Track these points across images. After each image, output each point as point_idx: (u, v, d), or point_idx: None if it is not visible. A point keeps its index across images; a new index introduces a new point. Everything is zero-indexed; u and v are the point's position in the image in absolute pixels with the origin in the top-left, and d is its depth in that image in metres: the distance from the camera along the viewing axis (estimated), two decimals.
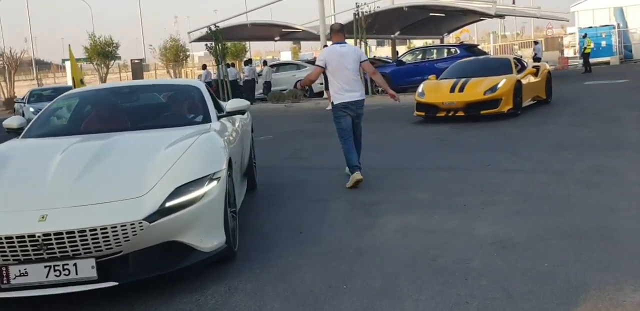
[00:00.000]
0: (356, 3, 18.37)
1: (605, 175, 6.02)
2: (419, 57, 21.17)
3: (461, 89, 11.47)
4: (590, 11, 37.87)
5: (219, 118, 5.02)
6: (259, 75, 22.85)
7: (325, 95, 17.25)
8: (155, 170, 3.68)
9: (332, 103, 6.67)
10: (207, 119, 4.89)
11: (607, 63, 32.19)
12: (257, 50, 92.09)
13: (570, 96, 14.79)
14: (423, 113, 11.77)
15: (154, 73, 56.12)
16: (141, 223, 3.36)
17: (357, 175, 6.32)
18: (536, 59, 25.42)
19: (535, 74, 12.86)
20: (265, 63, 23.86)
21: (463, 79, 11.84)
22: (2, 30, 53.31)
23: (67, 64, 46.00)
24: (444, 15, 23.06)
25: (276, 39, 27.99)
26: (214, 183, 3.74)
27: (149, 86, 5.71)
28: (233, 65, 23.66)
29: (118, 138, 4.32)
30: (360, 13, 18.47)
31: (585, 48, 26.14)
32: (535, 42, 31.39)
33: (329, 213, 5.27)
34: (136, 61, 49.43)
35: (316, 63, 6.76)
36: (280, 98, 19.80)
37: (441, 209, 5.17)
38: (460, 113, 11.29)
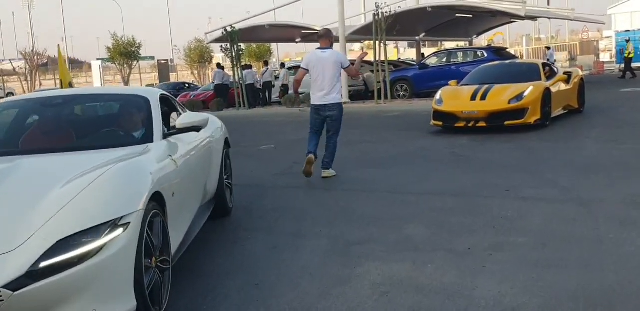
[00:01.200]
0: (376, 3, 17.37)
1: None
2: (444, 60, 20.04)
3: (483, 97, 10.39)
4: (628, 14, 36.34)
5: (166, 136, 4.09)
6: (277, 77, 21.97)
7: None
8: (37, 216, 2.77)
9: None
10: (148, 138, 3.96)
11: None
12: (287, 52, 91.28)
13: (605, 105, 13.57)
14: (440, 123, 10.71)
15: (179, 74, 55.81)
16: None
17: (310, 157, 7.15)
18: None
19: (567, 81, 11.70)
20: (283, 65, 22.98)
21: (486, 86, 10.75)
22: (32, 30, 53.36)
23: (94, 63, 45.92)
24: (471, 16, 21.86)
25: (297, 40, 27.07)
26: (119, 231, 2.81)
27: (87, 96, 4.79)
28: (250, 67, 22.80)
29: (18, 166, 3.40)
30: (380, 14, 17.44)
31: (629, 53, 24.47)
32: (548, 48, 29.92)
33: (300, 256, 4.29)
34: (162, 62, 49.08)
35: (301, 66, 7.44)
36: (295, 102, 18.86)
37: (440, 254, 4.16)
38: (482, 124, 10.20)
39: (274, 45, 52.13)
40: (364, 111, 17.07)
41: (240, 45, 20.21)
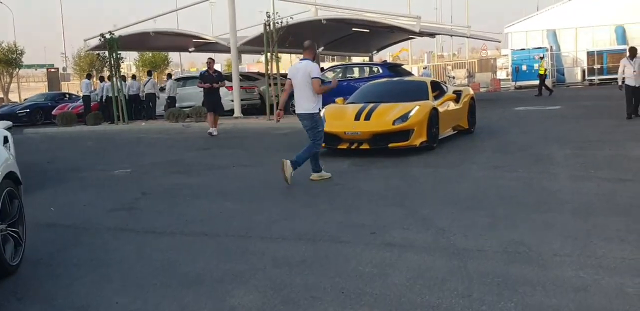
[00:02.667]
0: (267, 12, 16.34)
1: (527, 265, 4.05)
2: (340, 75, 19.31)
3: (367, 117, 9.52)
4: (523, 33, 37.25)
5: None
6: (162, 89, 20.47)
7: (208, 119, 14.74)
8: None
9: None
10: None
11: None
12: (191, 61, 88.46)
13: (497, 125, 13.15)
14: (323, 145, 9.71)
15: (73, 84, 52.52)
16: None
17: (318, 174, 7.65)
18: None
19: (457, 100, 11.09)
20: (169, 76, 21.48)
21: (371, 105, 9.90)
22: None
23: None
24: (368, 31, 21.31)
25: (191, 50, 25.60)
26: None
27: None
28: (134, 77, 21.16)
29: None
30: (271, 24, 16.43)
31: (544, 70, 24.31)
32: (424, 68, 30.07)
33: None
34: (53, 70, 45.91)
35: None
36: (180, 116, 17.47)
37: None
38: (365, 146, 9.31)
39: (175, 55, 50.22)
40: (253, 127, 15.96)
41: (120, 54, 18.58)
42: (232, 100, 18.82)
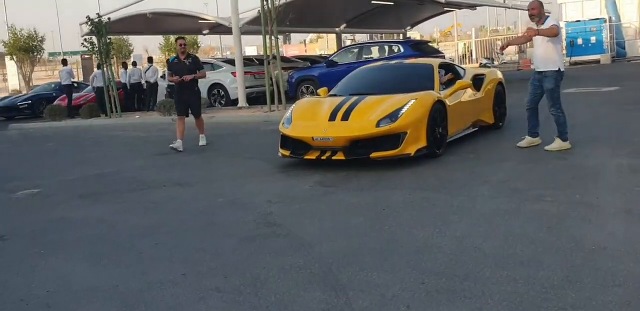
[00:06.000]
0: None
1: None
2: (356, 56, 16.78)
3: (345, 116, 7.08)
4: (579, 3, 33.55)
5: None
6: (163, 76, 18.41)
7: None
8: None
9: None
10: None
11: (597, 62, 27.89)
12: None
13: None
14: (287, 153, 7.37)
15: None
16: None
17: (529, 140, 7.35)
18: None
19: (477, 87, 8.51)
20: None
21: (354, 98, 7.45)
22: None
23: None
24: (392, 4, 18.61)
25: (205, 32, 23.48)
26: None
27: None
28: (135, 64, 19.18)
29: None
30: (269, 1, 14.03)
31: None
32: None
33: None
34: (87, 56, 44.60)
35: None
36: (172, 108, 15.32)
37: None
38: (340, 156, 6.89)
39: (214, 38, 48.14)
40: (245, 121, 13.74)
41: (109, 39, 16.56)
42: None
